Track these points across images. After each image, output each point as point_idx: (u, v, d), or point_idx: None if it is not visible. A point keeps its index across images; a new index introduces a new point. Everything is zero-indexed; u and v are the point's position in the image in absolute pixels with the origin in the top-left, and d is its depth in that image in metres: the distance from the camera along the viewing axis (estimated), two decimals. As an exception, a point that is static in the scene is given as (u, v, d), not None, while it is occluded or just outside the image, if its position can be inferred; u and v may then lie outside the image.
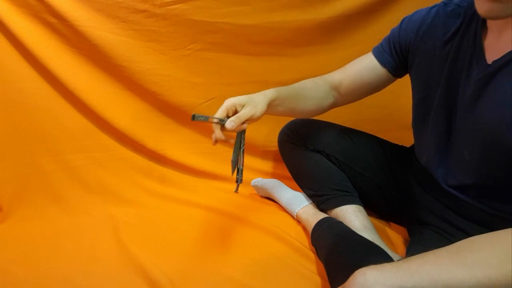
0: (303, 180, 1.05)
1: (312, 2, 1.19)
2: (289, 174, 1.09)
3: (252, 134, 1.33)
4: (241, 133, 0.79)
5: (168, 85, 1.25)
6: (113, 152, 1.29)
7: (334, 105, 0.93)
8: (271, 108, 0.80)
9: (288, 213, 1.09)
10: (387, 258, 0.69)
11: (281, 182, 1.17)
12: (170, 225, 1.09)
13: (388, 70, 0.83)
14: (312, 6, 1.19)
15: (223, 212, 1.11)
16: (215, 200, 1.17)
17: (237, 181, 0.80)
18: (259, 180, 1.20)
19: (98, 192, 1.23)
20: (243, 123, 0.74)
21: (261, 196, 1.21)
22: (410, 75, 0.82)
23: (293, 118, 1.07)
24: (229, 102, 0.74)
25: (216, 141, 0.75)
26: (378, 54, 0.84)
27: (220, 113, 0.73)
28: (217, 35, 1.21)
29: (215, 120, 0.72)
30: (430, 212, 0.80)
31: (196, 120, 0.70)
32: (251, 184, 1.21)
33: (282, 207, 1.11)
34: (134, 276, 0.87)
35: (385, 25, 1.21)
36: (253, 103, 0.75)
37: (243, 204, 1.17)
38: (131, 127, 1.28)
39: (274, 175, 1.28)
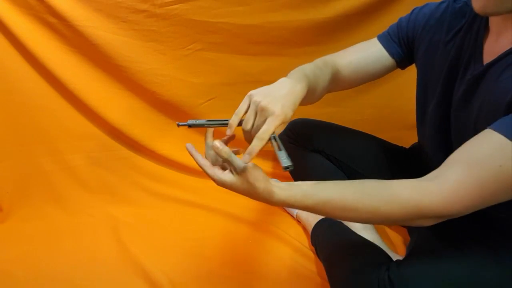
0: (303, 180, 1.05)
1: (312, 2, 1.18)
2: (289, 174, 1.09)
3: (252, 134, 1.33)
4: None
5: (168, 85, 1.25)
6: (113, 152, 1.29)
7: (330, 90, 0.80)
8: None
9: (288, 213, 1.09)
10: (386, 258, 0.69)
11: (281, 182, 1.16)
12: (170, 225, 1.09)
13: (396, 61, 0.80)
14: (312, 6, 1.19)
15: (223, 212, 1.11)
16: (215, 200, 1.17)
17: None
18: (259, 180, 1.19)
19: (98, 192, 1.23)
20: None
21: (261, 196, 1.21)
22: (416, 65, 0.80)
23: (293, 118, 1.06)
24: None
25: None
26: (387, 43, 0.80)
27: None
28: (217, 35, 1.21)
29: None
30: (429, 212, 0.80)
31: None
32: (251, 184, 1.20)
33: (282, 207, 1.11)
34: (134, 276, 0.88)
35: (385, 25, 1.20)
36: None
37: (243, 204, 1.17)
38: (131, 127, 1.28)
39: (274, 175, 1.28)
